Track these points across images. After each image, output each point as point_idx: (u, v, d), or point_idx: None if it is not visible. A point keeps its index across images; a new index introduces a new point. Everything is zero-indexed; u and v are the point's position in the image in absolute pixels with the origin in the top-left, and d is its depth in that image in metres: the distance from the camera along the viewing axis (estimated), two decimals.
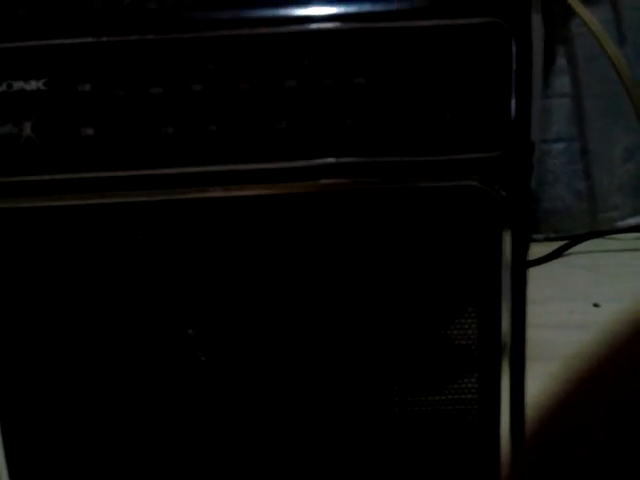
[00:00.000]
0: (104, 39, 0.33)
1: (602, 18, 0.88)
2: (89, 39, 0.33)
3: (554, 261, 0.89)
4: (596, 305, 0.73)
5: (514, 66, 0.33)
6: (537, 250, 0.87)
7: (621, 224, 0.99)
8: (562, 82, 0.95)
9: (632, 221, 0.99)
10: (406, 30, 0.33)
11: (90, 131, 0.34)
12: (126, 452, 0.38)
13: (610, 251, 0.92)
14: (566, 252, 0.91)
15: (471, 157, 0.34)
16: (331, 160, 0.35)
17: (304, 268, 0.36)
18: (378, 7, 0.33)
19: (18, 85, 0.33)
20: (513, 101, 0.34)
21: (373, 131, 0.34)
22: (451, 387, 0.37)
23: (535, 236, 0.97)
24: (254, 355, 0.37)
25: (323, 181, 0.35)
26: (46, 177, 0.34)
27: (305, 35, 0.33)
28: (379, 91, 0.34)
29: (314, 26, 0.33)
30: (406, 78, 0.34)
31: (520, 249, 0.35)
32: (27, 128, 0.34)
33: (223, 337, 0.37)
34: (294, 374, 0.37)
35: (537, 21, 0.72)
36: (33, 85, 0.33)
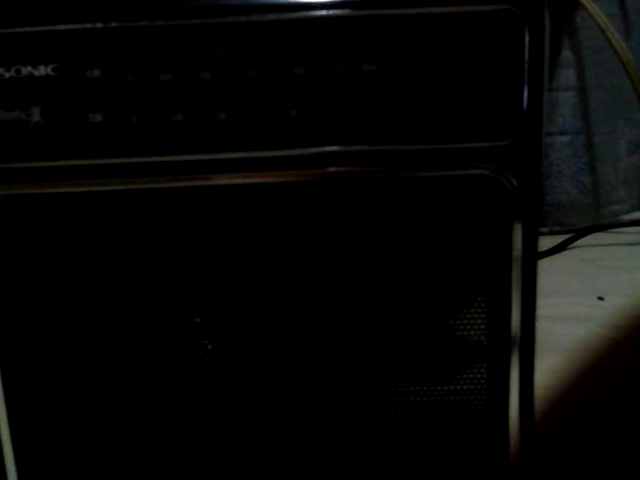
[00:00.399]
0: (113, 25, 0.33)
1: (608, 11, 0.88)
2: (98, 25, 0.33)
3: (558, 254, 0.89)
4: (600, 298, 0.73)
5: (527, 54, 0.33)
6: (542, 243, 0.86)
7: (625, 217, 0.99)
8: (567, 75, 0.95)
9: (636, 214, 0.99)
10: (417, 17, 0.33)
11: (99, 117, 0.33)
12: (131, 440, 0.38)
13: (614, 244, 0.92)
14: (570, 245, 0.91)
15: (482, 146, 0.34)
16: (340, 148, 0.34)
17: (312, 257, 0.36)
18: None
19: (27, 70, 0.33)
20: (525, 89, 0.33)
21: (383, 119, 0.34)
22: (460, 377, 0.37)
23: (540, 229, 0.96)
24: (261, 344, 0.37)
25: (332, 169, 0.35)
26: (54, 163, 0.34)
27: (315, 22, 0.33)
28: (390, 79, 0.34)
29: (324, 13, 0.33)
30: (417, 66, 0.33)
31: (531, 239, 0.35)
32: (36, 114, 0.33)
33: (230, 325, 0.37)
34: (302, 363, 0.37)
35: None
36: (42, 71, 0.33)
